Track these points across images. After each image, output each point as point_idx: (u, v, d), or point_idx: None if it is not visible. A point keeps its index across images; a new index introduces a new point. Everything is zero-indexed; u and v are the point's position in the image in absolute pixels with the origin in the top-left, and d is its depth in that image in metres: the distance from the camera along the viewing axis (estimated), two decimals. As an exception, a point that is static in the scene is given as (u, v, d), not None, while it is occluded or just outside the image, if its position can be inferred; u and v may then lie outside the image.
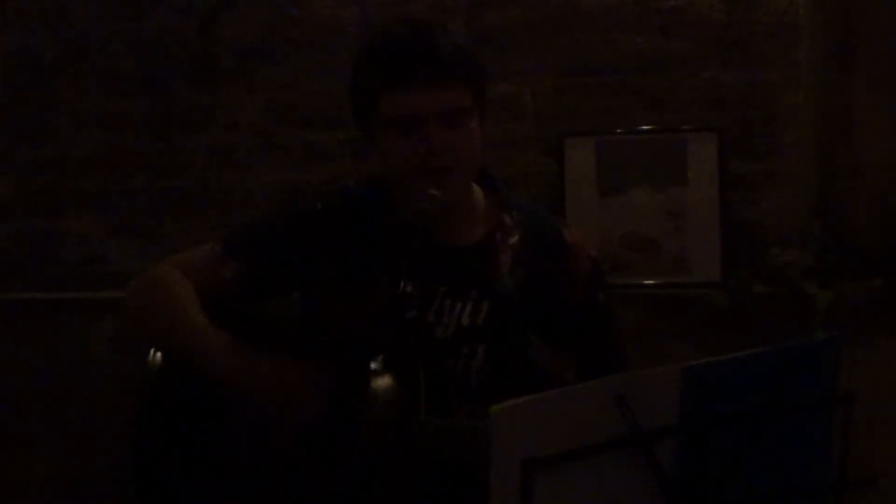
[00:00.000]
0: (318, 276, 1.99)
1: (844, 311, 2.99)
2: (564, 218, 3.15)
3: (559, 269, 2.00)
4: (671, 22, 3.26)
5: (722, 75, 3.25)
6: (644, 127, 3.27)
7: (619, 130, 3.27)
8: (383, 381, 1.82)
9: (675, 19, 3.26)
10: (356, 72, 1.97)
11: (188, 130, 3.51)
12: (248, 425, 1.87)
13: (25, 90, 3.60)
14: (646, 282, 3.23)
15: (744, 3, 3.23)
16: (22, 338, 3.53)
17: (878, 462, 2.61)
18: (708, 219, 3.20)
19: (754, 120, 3.24)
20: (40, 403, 3.50)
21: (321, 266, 1.98)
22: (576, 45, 3.31)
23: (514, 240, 2.00)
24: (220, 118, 3.50)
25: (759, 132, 3.24)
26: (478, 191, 2.04)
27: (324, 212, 2.02)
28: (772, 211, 3.23)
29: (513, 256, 1.98)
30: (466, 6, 3.34)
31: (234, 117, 3.50)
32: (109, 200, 3.56)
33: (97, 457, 3.41)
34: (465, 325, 1.94)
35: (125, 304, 2.02)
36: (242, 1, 3.47)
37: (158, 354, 1.93)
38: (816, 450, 1.48)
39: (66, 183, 3.57)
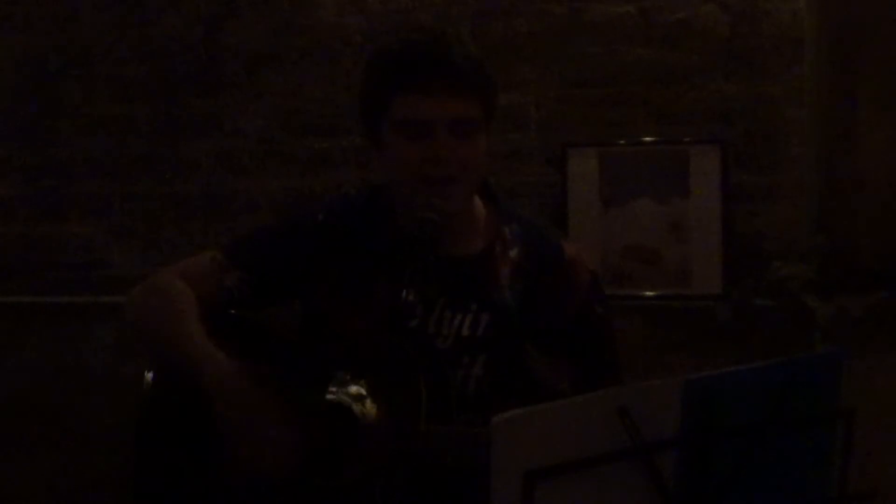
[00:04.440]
0: (319, 285, 1.99)
1: (846, 325, 2.98)
2: (566, 229, 3.16)
3: (558, 282, 2.00)
4: (675, 34, 3.27)
5: (725, 88, 3.26)
6: (647, 138, 3.27)
7: (622, 142, 3.28)
8: (368, 408, 1.82)
9: (680, 32, 3.27)
10: (369, 72, 1.97)
11: (192, 136, 3.52)
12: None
13: (30, 94, 3.61)
14: (647, 293, 3.23)
15: (748, 16, 3.24)
16: (23, 341, 3.53)
17: (878, 476, 2.60)
18: (710, 231, 3.20)
19: (757, 133, 3.24)
20: (40, 407, 3.49)
21: (323, 275, 1.99)
22: (580, 56, 3.32)
23: (514, 252, 2.00)
24: (224, 124, 3.51)
25: (761, 145, 3.24)
26: (478, 202, 2.04)
27: (325, 221, 2.02)
28: (774, 224, 3.24)
29: (512, 269, 1.98)
30: (471, 16, 3.35)
31: (238, 124, 3.50)
32: (113, 205, 3.56)
33: (97, 461, 3.40)
34: (464, 335, 1.95)
35: (125, 311, 2.02)
36: (248, 8, 3.48)
37: (149, 374, 1.94)
38: (817, 464, 1.48)
39: (70, 187, 3.58)
